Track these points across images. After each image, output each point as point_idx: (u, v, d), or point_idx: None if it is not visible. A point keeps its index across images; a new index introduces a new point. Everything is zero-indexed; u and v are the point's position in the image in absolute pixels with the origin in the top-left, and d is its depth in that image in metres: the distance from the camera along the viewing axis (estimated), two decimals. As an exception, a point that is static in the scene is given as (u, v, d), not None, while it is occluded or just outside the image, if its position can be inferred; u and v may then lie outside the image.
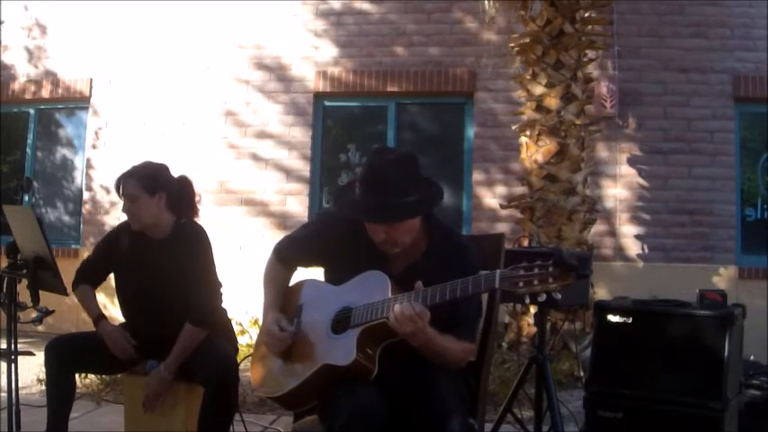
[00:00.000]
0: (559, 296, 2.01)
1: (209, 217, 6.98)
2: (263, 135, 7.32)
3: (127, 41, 7.54)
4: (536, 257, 2.03)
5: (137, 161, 3.24)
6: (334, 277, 2.44)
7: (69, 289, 3.08)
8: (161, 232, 3.14)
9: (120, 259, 3.21)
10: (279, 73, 7.37)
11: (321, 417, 2.27)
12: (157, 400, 3.03)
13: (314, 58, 7.33)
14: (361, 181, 2.32)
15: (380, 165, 2.30)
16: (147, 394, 3.01)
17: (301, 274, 2.61)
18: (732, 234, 6.71)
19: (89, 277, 3.29)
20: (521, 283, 2.00)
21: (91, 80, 7.63)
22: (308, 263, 2.58)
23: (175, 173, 3.28)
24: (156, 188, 3.09)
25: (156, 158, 3.32)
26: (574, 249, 5.44)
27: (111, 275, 3.32)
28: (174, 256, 3.07)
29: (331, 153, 7.43)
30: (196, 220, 3.27)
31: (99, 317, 3.15)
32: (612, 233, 6.77)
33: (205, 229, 3.20)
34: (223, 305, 3.25)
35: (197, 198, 3.30)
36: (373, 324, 2.20)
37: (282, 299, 2.52)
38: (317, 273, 2.57)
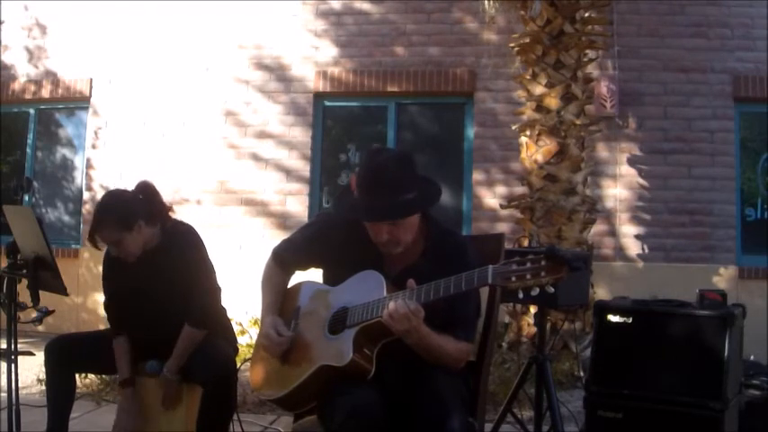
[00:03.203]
0: (552, 290, 2.00)
1: (209, 217, 7.03)
2: (263, 135, 7.33)
3: (127, 41, 7.54)
4: (530, 254, 2.03)
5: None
6: (332, 279, 2.45)
7: (102, 319, 2.97)
8: (151, 244, 3.11)
9: (119, 274, 3.18)
10: (279, 73, 7.37)
11: (320, 416, 2.27)
12: (172, 400, 3.03)
13: (314, 58, 7.33)
14: (359, 183, 2.32)
15: (378, 165, 2.30)
16: (164, 397, 3.03)
17: (300, 275, 2.61)
18: (732, 234, 6.71)
19: (121, 321, 3.18)
20: (513, 278, 2.00)
21: (91, 80, 7.63)
22: (306, 266, 2.59)
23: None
24: (131, 222, 2.99)
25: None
26: (574, 249, 5.44)
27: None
28: (168, 261, 3.05)
29: (331, 153, 7.43)
30: (173, 215, 3.21)
31: (125, 382, 3.08)
32: (612, 233, 6.77)
33: (195, 227, 3.18)
34: (223, 305, 3.25)
35: (161, 196, 3.20)
36: (369, 323, 2.20)
37: (281, 301, 2.52)
38: (315, 274, 2.57)
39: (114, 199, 3.09)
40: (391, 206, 2.25)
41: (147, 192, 3.15)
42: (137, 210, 3.04)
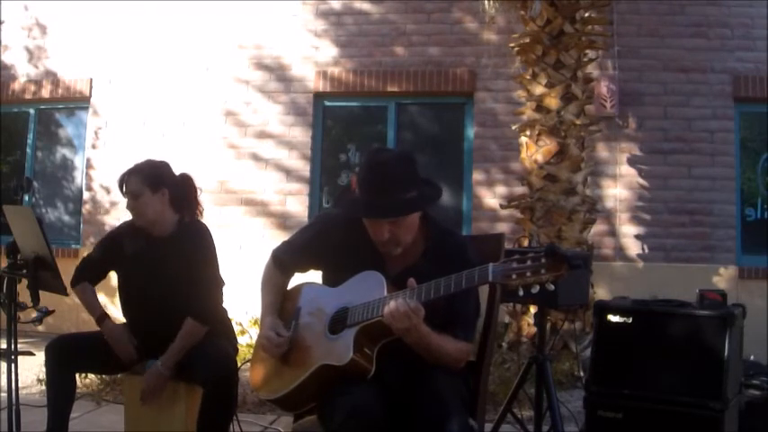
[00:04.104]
0: (552, 287, 2.01)
1: (209, 217, 6.98)
2: (263, 135, 7.33)
3: (127, 41, 7.54)
4: (530, 252, 2.04)
5: (137, 161, 3.24)
6: (332, 280, 2.44)
7: (69, 288, 3.08)
8: (164, 230, 3.16)
9: (123, 259, 3.22)
10: (279, 73, 7.37)
11: (320, 416, 2.27)
12: (154, 396, 3.03)
13: (314, 58, 7.34)
14: (361, 181, 2.32)
15: (379, 163, 2.30)
16: (144, 389, 3.02)
17: (300, 277, 2.61)
18: (732, 234, 6.71)
19: (89, 275, 3.30)
20: (513, 276, 2.00)
21: (91, 80, 7.63)
22: (305, 267, 2.59)
23: (177, 171, 3.30)
24: (159, 185, 3.12)
25: (157, 159, 3.33)
26: (574, 249, 5.44)
27: (112, 275, 3.33)
28: (177, 254, 3.08)
29: (331, 153, 7.44)
30: (200, 218, 3.30)
31: (102, 316, 3.16)
32: (612, 233, 6.77)
33: (208, 227, 3.21)
34: (223, 305, 3.26)
35: (198, 193, 3.32)
36: (369, 323, 2.20)
37: (281, 302, 2.52)
38: (316, 276, 2.57)
39: (155, 161, 3.25)
40: (392, 204, 2.25)
41: (184, 183, 3.27)
42: (169, 181, 3.18)
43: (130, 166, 3.21)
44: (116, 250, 3.25)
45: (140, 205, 3.12)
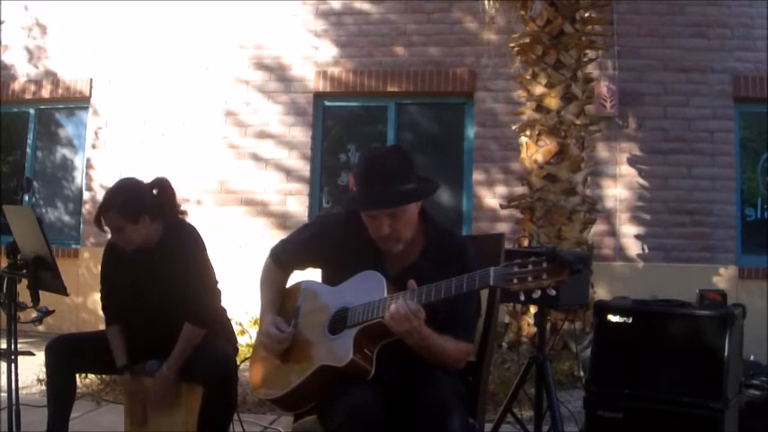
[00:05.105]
0: (554, 292, 2.01)
1: (209, 217, 7.03)
2: (263, 135, 7.33)
3: (127, 41, 7.54)
4: (532, 256, 2.04)
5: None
6: (332, 279, 2.44)
7: (101, 319, 3.02)
8: (153, 240, 3.13)
9: (119, 269, 3.20)
10: (279, 73, 7.37)
11: (320, 416, 2.27)
12: (163, 401, 3.04)
13: (314, 58, 7.34)
14: (358, 176, 2.33)
15: (376, 158, 2.33)
16: (153, 395, 3.03)
17: (299, 275, 2.61)
18: (732, 234, 6.71)
19: (117, 312, 3.21)
20: (515, 280, 2.00)
21: (91, 80, 7.63)
22: (304, 265, 2.59)
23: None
24: (138, 214, 3.02)
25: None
26: (574, 249, 5.44)
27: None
28: (167, 257, 3.07)
29: (331, 153, 7.44)
30: (184, 217, 3.25)
31: (124, 367, 3.09)
32: (612, 233, 6.77)
33: (196, 227, 3.19)
34: (223, 305, 3.26)
35: (176, 196, 3.24)
36: (369, 324, 2.20)
37: (280, 300, 2.52)
38: (315, 274, 2.57)
39: (127, 187, 3.12)
40: (390, 195, 2.26)
41: (161, 189, 3.19)
42: (146, 204, 3.08)
43: (102, 200, 3.07)
44: (114, 266, 3.21)
45: (125, 236, 3.05)
